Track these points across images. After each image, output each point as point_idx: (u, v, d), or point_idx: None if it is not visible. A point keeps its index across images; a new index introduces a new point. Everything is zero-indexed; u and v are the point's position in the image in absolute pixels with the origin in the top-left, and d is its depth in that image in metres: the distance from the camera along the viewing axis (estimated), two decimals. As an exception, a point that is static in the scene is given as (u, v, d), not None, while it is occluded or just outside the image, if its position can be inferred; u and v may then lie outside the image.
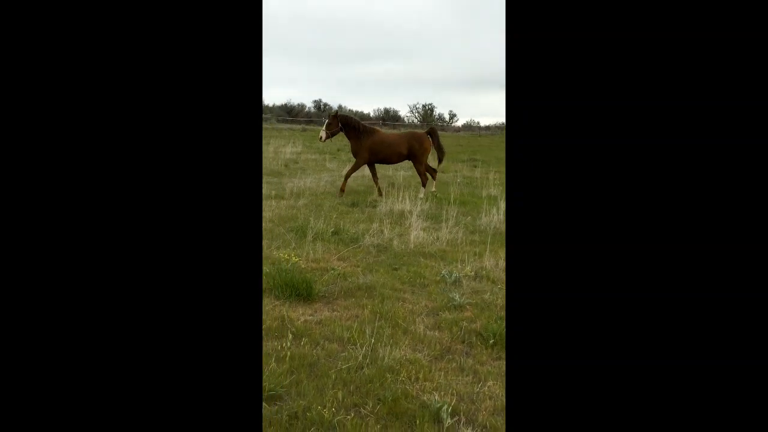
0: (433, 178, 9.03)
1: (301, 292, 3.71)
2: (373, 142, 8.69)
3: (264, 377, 2.53)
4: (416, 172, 9.11)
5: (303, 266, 4.36)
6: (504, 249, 5.00)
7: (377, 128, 9.21)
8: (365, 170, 11.98)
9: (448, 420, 2.30)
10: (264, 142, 18.68)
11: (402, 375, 2.68)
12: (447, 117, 58.68)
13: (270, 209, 6.95)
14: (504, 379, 2.67)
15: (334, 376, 2.63)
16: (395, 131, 9.93)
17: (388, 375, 2.66)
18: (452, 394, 2.53)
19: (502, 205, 6.94)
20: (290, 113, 38.08)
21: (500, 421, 2.35)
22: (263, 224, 5.89)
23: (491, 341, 3.09)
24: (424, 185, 8.78)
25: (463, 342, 3.14)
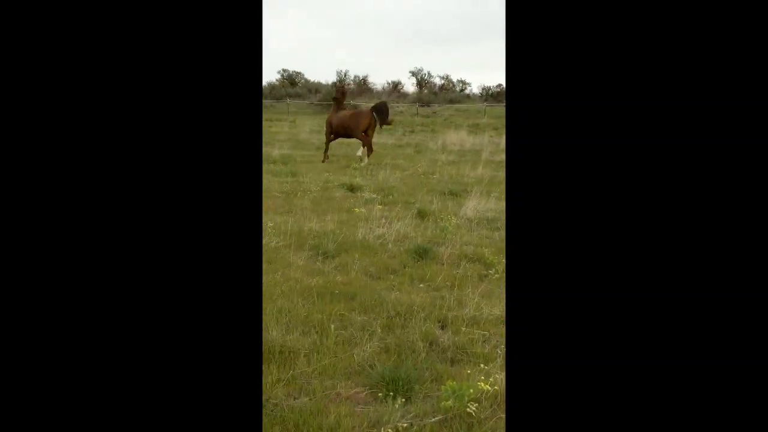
0: (369, 152, 9.82)
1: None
2: (333, 116, 10.06)
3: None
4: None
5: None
6: None
7: (347, 108, 10.63)
8: None
9: None
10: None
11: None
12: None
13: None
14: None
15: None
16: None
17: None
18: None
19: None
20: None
21: None
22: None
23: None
24: (370, 150, 9.76)
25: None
